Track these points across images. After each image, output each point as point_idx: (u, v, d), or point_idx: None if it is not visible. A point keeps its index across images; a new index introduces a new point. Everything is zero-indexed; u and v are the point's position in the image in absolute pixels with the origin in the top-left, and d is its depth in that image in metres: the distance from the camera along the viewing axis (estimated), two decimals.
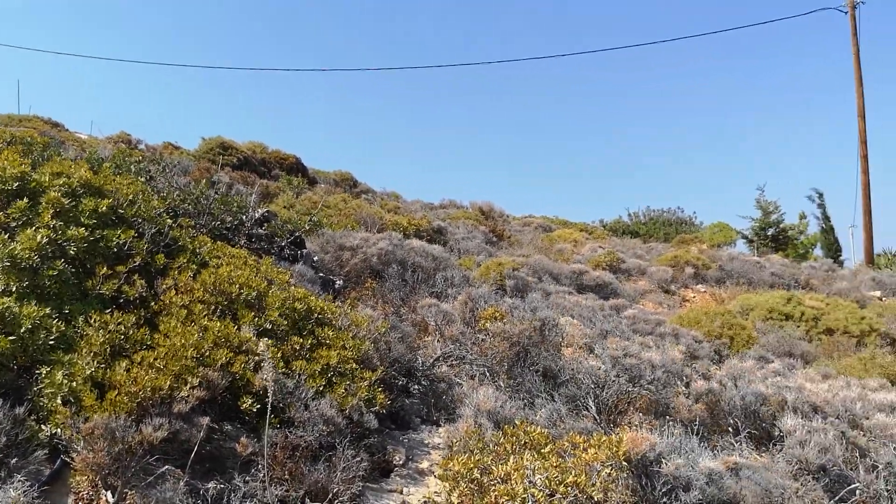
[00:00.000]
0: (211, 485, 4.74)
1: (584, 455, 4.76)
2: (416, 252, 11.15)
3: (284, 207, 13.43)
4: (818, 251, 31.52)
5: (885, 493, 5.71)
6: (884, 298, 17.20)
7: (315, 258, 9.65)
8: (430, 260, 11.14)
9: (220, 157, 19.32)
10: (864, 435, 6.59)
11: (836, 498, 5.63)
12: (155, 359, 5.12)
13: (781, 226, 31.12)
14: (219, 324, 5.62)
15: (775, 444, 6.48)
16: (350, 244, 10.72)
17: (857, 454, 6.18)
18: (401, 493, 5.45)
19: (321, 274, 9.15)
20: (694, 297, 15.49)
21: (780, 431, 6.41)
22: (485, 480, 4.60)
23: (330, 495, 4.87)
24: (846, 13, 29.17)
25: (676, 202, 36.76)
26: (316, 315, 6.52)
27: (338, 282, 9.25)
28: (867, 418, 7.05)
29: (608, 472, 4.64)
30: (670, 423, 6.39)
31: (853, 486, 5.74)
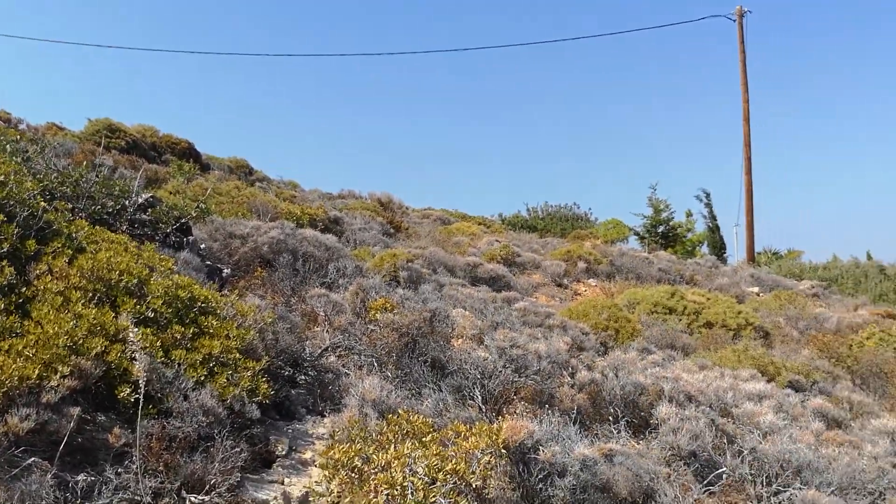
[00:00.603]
0: (81, 477, 4.57)
1: (464, 443, 4.83)
2: (308, 242, 11.03)
3: (172, 193, 13.03)
4: (705, 249, 32.92)
5: (749, 477, 6.03)
6: (761, 294, 18.12)
7: (202, 246, 9.41)
8: (323, 250, 11.04)
9: (107, 139, 18.56)
10: (733, 422, 6.93)
11: (705, 482, 5.91)
12: (24, 347, 4.89)
13: (671, 223, 32.35)
14: (94, 311, 5.41)
15: (651, 432, 6.74)
16: (240, 232, 10.50)
17: (726, 440, 6.50)
18: (282, 483, 5.39)
19: (208, 262, 8.94)
20: (585, 290, 15.91)
21: (656, 419, 6.67)
22: (365, 469, 4.61)
23: (207, 486, 4.76)
24: (734, 21, 30.49)
25: (574, 199, 37.54)
26: (199, 304, 6.35)
27: (225, 270, 9.05)
28: (737, 406, 7.42)
29: (488, 459, 4.73)
30: (553, 412, 6.55)
31: (721, 470, 6.04)
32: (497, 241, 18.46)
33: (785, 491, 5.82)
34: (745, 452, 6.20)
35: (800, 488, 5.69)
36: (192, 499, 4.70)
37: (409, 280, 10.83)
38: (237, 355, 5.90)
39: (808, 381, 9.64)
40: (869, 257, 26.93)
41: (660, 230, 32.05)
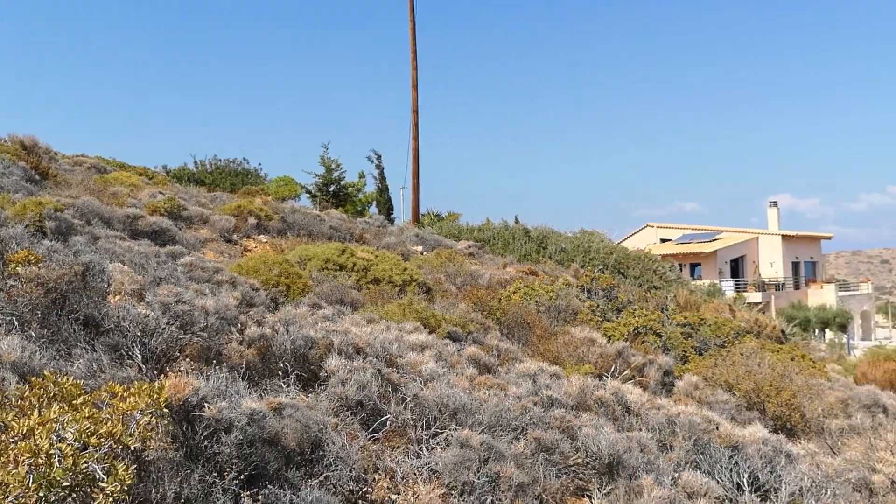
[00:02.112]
0: None
1: (122, 404, 4.45)
2: None
3: None
4: (374, 209, 34.11)
5: (412, 422, 6.34)
6: (424, 252, 19.20)
7: None
8: None
9: None
10: (397, 372, 7.24)
11: (371, 429, 6.10)
12: None
13: (342, 183, 32.98)
14: None
15: (321, 384, 6.80)
16: None
17: (391, 389, 6.77)
18: None
19: None
20: (255, 246, 15.62)
21: (326, 372, 6.73)
22: (3, 438, 4.05)
23: None
24: None
25: (244, 153, 36.52)
26: None
27: None
28: (401, 357, 7.77)
29: (148, 420, 4.40)
30: (221, 368, 6.31)
31: (385, 417, 6.27)
32: (161, 193, 17.39)
33: (442, 432, 6.20)
34: (409, 399, 6.51)
35: (455, 429, 6.11)
36: None
37: (57, 231, 9.76)
38: None
39: (464, 331, 10.40)
40: (516, 221, 29.85)
41: (331, 189, 32.54)
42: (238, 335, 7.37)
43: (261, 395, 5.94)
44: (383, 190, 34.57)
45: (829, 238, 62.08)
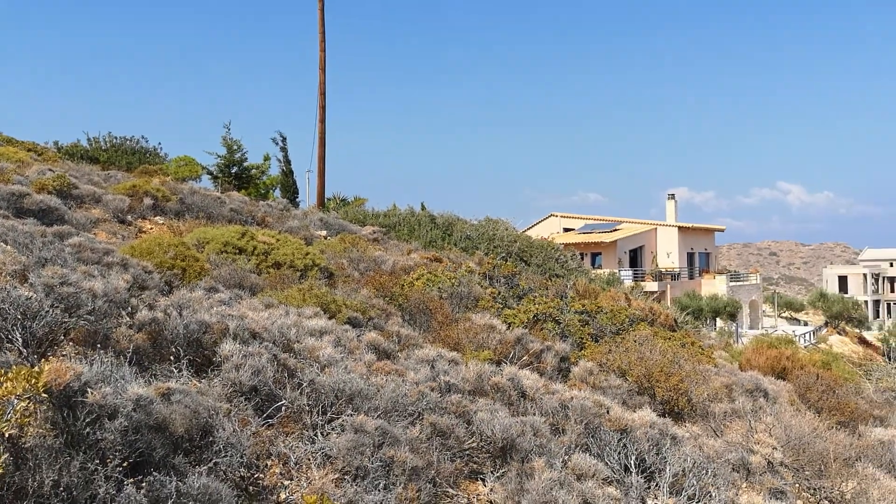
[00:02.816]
0: None
1: None
2: None
3: None
4: (279, 192, 33.49)
5: (307, 408, 6.29)
6: (328, 237, 19.02)
7: None
8: None
9: None
10: (295, 357, 7.17)
11: (265, 415, 6.02)
12: None
13: (245, 165, 32.25)
14: None
15: (215, 370, 6.66)
16: None
17: (287, 374, 6.69)
18: None
19: None
20: (151, 228, 15.12)
21: (220, 357, 6.60)
22: None
23: None
24: None
25: (144, 132, 35.13)
26: None
27: None
28: (299, 342, 7.69)
29: (25, 405, 4.23)
30: (107, 353, 6.10)
31: (280, 403, 6.20)
32: (51, 170, 16.61)
33: (338, 418, 6.18)
34: (305, 385, 6.45)
35: (351, 414, 6.10)
36: None
37: None
38: None
39: (365, 317, 10.37)
40: (423, 208, 29.90)
41: (234, 171, 31.78)
42: (128, 319, 7.14)
43: (150, 380, 5.78)
44: (288, 173, 33.94)
45: (722, 230, 64.69)
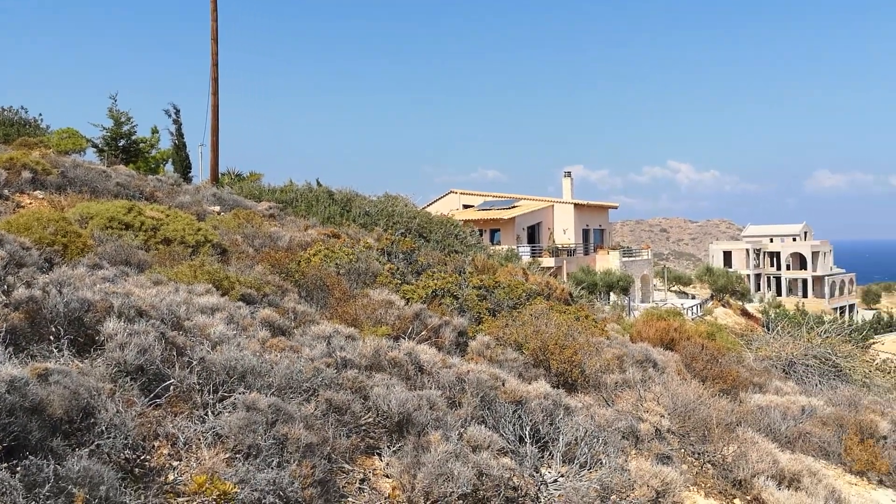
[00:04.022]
0: None
1: None
2: None
3: None
4: (170, 167, 32.31)
5: (197, 386, 6.11)
6: (222, 213, 18.52)
7: None
8: None
9: None
10: (184, 335, 6.94)
11: (152, 395, 5.80)
12: None
13: (133, 138, 30.97)
14: None
15: (98, 349, 6.37)
16: None
17: (176, 353, 6.47)
18: None
19: None
20: (30, 203, 14.32)
21: (104, 336, 6.32)
22: None
23: None
24: None
25: (23, 102, 33.15)
26: None
27: None
28: (189, 320, 7.46)
29: None
30: None
31: (168, 382, 5.99)
32: None
33: (230, 396, 6.02)
34: (195, 363, 6.26)
35: (243, 392, 5.95)
36: None
37: None
38: None
39: (259, 294, 10.14)
40: (319, 184, 29.46)
41: (121, 144, 30.46)
42: (3, 297, 6.74)
43: (26, 361, 5.48)
44: (181, 147, 32.74)
45: (616, 207, 66.59)
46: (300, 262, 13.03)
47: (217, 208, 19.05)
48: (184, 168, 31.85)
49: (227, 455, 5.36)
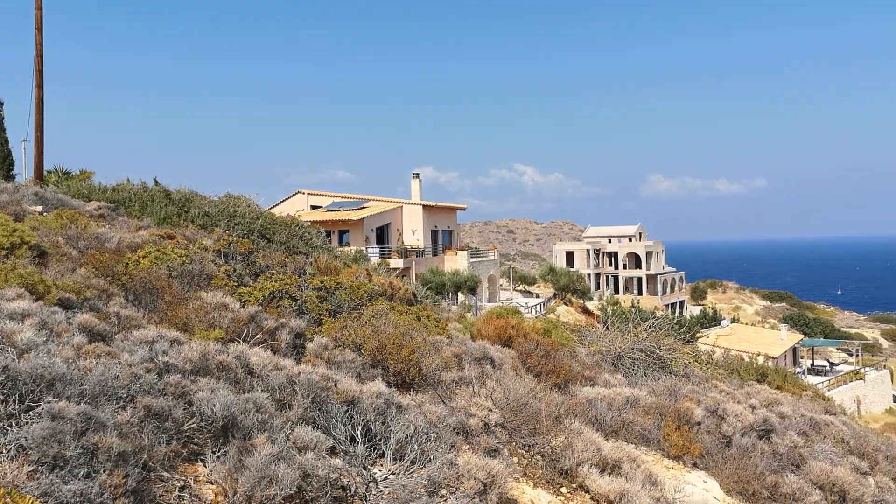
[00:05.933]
0: None
1: None
2: None
3: None
4: None
5: (2, 397, 5.72)
6: (45, 213, 17.39)
7: None
8: None
9: None
10: None
11: None
12: None
13: None
14: None
15: None
16: None
17: None
18: None
19: None
20: None
21: None
22: None
23: None
24: None
25: None
26: None
27: None
28: None
29: None
30: None
31: None
32: None
33: (37, 405, 5.69)
34: None
35: (51, 401, 5.64)
36: None
37: None
38: None
39: (79, 298, 9.61)
40: (156, 183, 28.20)
41: None
42: None
43: None
44: (3, 143, 30.46)
45: (464, 209, 67.88)
46: (128, 264, 12.45)
47: (39, 208, 17.87)
48: (6, 165, 29.64)
49: (31, 467, 5.06)
